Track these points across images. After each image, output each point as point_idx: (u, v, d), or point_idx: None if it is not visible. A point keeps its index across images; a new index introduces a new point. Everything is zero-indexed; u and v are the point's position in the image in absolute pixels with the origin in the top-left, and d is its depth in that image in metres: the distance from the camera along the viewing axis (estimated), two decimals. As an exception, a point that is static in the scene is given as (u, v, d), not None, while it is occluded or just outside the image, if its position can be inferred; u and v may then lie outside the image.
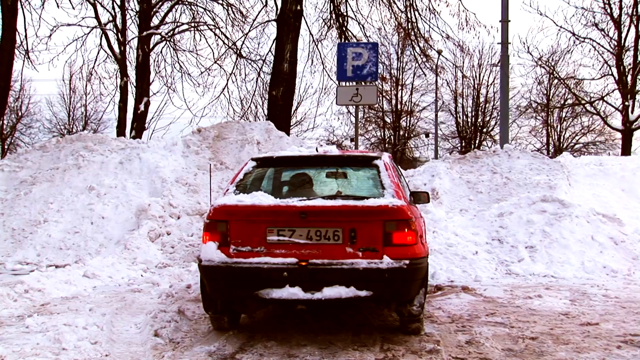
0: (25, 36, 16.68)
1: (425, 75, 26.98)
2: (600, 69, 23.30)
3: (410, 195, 5.32)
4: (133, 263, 8.49)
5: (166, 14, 20.25)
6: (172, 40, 20.11)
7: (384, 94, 31.34)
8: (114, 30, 19.52)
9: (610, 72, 23.02)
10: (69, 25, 18.83)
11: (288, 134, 14.09)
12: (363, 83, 10.62)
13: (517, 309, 5.98)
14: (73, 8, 18.11)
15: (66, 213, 10.02)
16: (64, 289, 6.85)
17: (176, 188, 10.60)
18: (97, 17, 18.83)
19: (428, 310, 5.79)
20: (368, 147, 32.54)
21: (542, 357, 4.36)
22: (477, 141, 32.58)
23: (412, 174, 12.05)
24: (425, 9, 16.73)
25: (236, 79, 19.55)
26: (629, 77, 22.37)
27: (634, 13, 21.93)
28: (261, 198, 4.68)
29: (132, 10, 19.95)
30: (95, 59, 19.72)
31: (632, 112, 21.61)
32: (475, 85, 32.28)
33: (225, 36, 19.20)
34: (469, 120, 33.12)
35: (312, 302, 4.40)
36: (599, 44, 22.73)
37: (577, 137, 31.39)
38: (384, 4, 17.36)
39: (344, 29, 17.61)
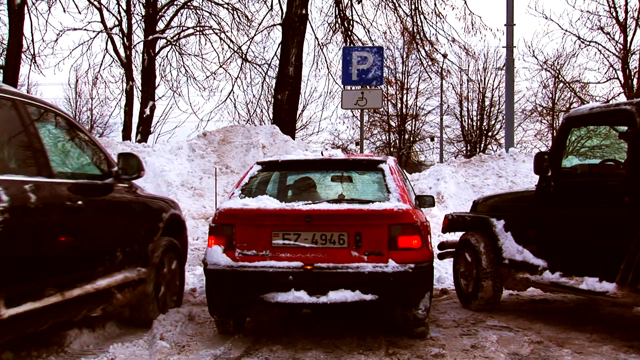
0: (32, 40, 16.84)
1: (431, 79, 26.94)
2: (605, 73, 23.31)
3: (415, 199, 5.31)
4: (139, 266, 8.49)
5: (172, 18, 20.39)
6: (177, 44, 20.23)
7: (389, 98, 31.36)
8: (120, 35, 19.66)
9: (616, 76, 23.00)
10: (75, 29, 19.12)
11: (293, 137, 14.11)
12: (368, 87, 10.60)
13: (523, 313, 5.96)
14: (79, 12, 18.31)
15: (72, 216, 10.04)
16: (70, 293, 6.85)
17: (182, 192, 10.62)
18: (103, 21, 18.98)
19: (433, 314, 5.78)
20: (373, 150, 32.51)
21: (548, 361, 4.35)
22: (482, 145, 32.54)
23: (418, 178, 12.05)
24: (431, 13, 16.79)
25: (242, 83, 19.70)
26: (635, 81, 22.31)
27: (640, 16, 21.91)
28: (266, 202, 4.69)
29: (138, 14, 20.11)
30: (101, 63, 19.92)
31: (638, 116, 21.46)
32: (481, 89, 32.29)
33: (231, 40, 19.31)
34: (474, 123, 33.08)
35: (318, 306, 4.40)
36: (604, 47, 22.72)
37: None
38: (389, 8, 17.42)
39: (349, 32, 17.64)
